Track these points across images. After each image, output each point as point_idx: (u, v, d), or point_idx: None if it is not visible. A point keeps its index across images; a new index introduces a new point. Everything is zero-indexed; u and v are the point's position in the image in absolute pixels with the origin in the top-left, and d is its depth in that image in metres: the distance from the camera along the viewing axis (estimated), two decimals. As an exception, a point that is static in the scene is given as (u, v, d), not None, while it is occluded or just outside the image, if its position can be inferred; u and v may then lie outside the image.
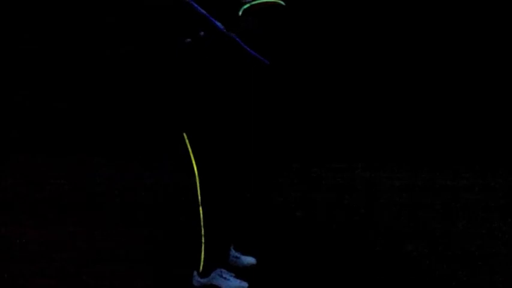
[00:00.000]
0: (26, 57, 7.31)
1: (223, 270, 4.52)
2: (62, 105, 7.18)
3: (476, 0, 7.30)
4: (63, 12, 7.37)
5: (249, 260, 4.78)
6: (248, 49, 4.26)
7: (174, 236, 5.21)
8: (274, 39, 4.42)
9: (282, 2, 4.42)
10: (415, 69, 7.30)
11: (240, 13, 4.39)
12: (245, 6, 4.39)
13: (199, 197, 4.36)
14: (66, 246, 5.06)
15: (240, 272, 4.61)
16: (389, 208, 5.83)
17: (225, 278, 4.51)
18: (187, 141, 4.31)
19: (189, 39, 4.24)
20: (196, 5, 4.13)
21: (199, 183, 4.35)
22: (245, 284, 4.49)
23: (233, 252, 4.76)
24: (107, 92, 7.22)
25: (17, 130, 7.01)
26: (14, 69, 7.31)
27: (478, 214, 5.70)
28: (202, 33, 4.24)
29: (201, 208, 4.37)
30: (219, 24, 4.19)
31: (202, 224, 4.39)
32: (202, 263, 4.47)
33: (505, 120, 7.12)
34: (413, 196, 6.10)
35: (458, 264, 4.86)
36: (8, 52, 7.34)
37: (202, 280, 4.52)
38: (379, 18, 7.27)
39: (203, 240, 4.42)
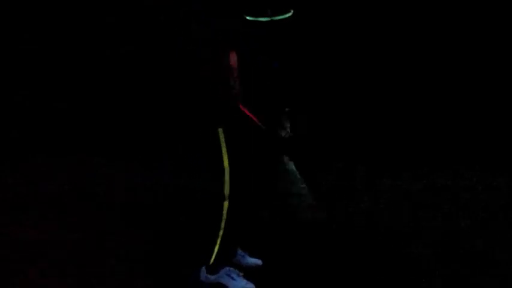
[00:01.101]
0: (26, 57, 7.31)
1: (231, 269, 4.53)
2: (62, 105, 7.17)
3: (476, 1, 7.30)
4: (63, 12, 7.37)
5: (255, 261, 4.78)
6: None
7: (174, 236, 5.20)
8: (279, 43, 4.43)
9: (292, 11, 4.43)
10: (415, 69, 7.30)
11: (249, 18, 4.36)
12: (263, 19, 4.37)
13: (227, 191, 4.37)
14: (66, 246, 5.06)
15: (244, 272, 4.61)
16: (389, 208, 5.83)
17: (232, 278, 4.51)
18: (221, 136, 4.33)
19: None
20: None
21: (230, 177, 4.36)
22: (251, 286, 4.50)
23: (239, 251, 4.77)
24: (107, 92, 7.21)
25: (17, 130, 7.00)
26: (14, 69, 7.31)
27: (478, 214, 5.70)
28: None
29: (227, 202, 4.38)
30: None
31: (224, 218, 4.40)
32: (214, 258, 4.46)
33: (505, 120, 7.12)
34: (413, 196, 6.09)
35: (458, 264, 4.86)
36: (8, 52, 7.33)
37: (210, 277, 4.52)
38: (381, 19, 7.27)
39: (221, 234, 4.42)
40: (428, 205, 5.90)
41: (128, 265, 4.80)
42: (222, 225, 4.39)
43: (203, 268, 4.50)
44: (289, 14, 4.38)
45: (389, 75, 7.29)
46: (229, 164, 4.34)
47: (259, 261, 4.74)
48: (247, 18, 4.33)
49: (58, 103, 7.16)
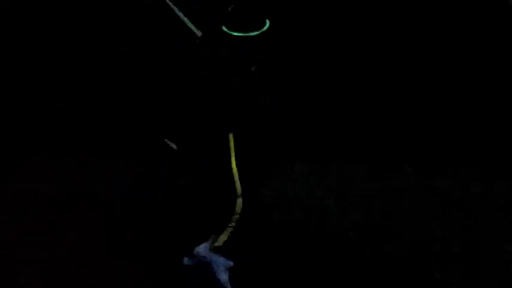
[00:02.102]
0: (26, 57, 7.30)
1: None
2: (62, 105, 7.16)
3: (476, 1, 7.29)
4: (63, 12, 7.36)
5: (227, 262, 4.76)
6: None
7: (174, 236, 5.20)
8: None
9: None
10: (415, 69, 7.29)
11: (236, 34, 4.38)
12: (253, 33, 4.38)
13: (239, 190, 4.41)
14: (67, 247, 5.05)
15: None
16: (388, 208, 5.83)
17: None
18: (231, 140, 4.40)
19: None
20: None
21: (240, 177, 4.43)
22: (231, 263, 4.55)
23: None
24: (107, 92, 7.21)
25: (17, 130, 6.99)
26: (14, 69, 7.30)
27: (478, 214, 5.69)
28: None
29: (241, 200, 4.43)
30: None
31: (239, 212, 4.44)
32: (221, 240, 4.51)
33: (505, 120, 7.11)
34: (412, 196, 6.09)
35: (458, 264, 4.86)
36: (8, 52, 7.33)
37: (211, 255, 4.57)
38: (383, 18, 7.26)
39: (232, 225, 4.46)
40: (427, 205, 5.90)
41: (128, 265, 4.79)
42: (235, 218, 4.45)
43: (209, 242, 4.55)
44: (267, 26, 4.39)
45: (390, 76, 7.28)
46: (238, 165, 4.41)
47: (230, 263, 4.72)
48: (234, 34, 4.34)
49: (58, 103, 7.15)
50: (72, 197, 5.91)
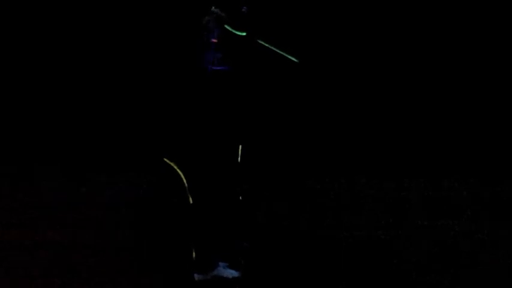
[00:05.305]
0: (26, 57, 7.32)
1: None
2: (61, 105, 7.18)
3: (476, 1, 7.31)
4: (63, 12, 7.38)
5: (233, 272, 4.76)
6: None
7: (174, 237, 5.21)
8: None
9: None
10: (415, 72, 7.30)
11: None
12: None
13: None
14: (68, 246, 5.07)
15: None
16: (388, 211, 5.84)
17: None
18: (240, 151, 4.49)
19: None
20: None
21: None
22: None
23: (221, 263, 4.76)
24: (107, 93, 7.22)
25: (17, 130, 7.01)
26: (14, 69, 7.32)
27: (478, 214, 5.71)
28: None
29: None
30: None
31: None
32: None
33: (505, 121, 7.13)
34: (413, 201, 6.11)
35: (458, 264, 4.87)
36: (8, 52, 7.34)
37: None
38: (381, 20, 7.28)
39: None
40: (428, 205, 5.91)
41: (130, 264, 4.81)
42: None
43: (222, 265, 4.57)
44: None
45: (390, 79, 7.30)
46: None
47: (235, 273, 4.71)
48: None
49: (58, 103, 7.17)
50: (73, 197, 5.93)
